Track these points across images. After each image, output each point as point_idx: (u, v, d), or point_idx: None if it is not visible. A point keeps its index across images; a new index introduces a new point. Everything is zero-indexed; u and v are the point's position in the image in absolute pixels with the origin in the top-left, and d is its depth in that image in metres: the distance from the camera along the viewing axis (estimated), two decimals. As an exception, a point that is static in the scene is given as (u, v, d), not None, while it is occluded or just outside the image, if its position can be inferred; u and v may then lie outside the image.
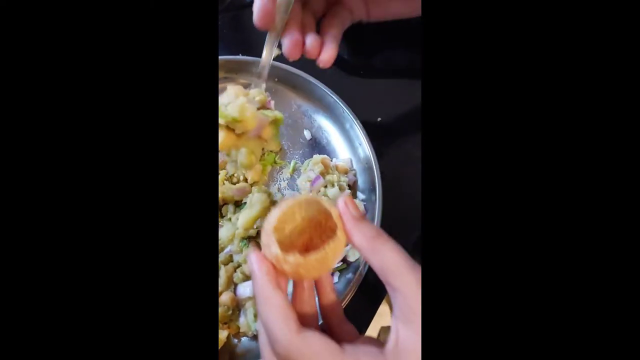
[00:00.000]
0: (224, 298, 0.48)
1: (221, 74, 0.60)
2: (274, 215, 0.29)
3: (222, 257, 0.51)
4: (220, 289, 0.49)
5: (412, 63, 0.68)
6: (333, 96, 0.57)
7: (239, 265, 0.50)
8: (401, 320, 0.26)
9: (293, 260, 0.27)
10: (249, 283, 0.49)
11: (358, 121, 0.55)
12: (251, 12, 0.41)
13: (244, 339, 0.48)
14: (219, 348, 0.46)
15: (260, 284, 0.27)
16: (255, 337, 0.48)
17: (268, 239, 0.28)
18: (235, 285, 0.50)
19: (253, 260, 0.28)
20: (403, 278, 0.26)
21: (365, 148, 0.54)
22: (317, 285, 0.32)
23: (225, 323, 0.48)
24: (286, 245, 0.29)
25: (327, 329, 0.32)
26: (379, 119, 0.61)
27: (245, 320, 0.48)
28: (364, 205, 0.54)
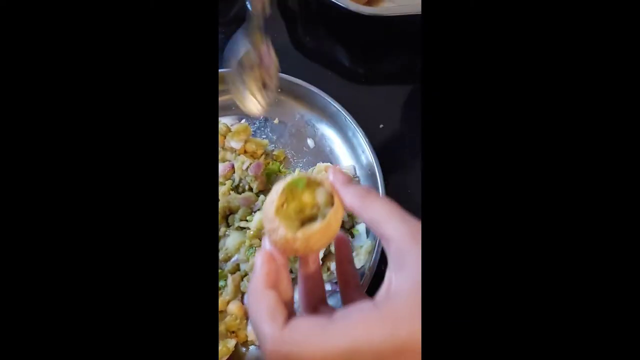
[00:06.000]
0: (232, 307, 0.49)
1: (223, 87, 0.61)
2: (271, 200, 0.29)
3: (229, 266, 0.51)
4: (227, 298, 0.49)
5: (414, 69, 0.68)
6: (335, 105, 0.57)
7: (246, 274, 0.51)
8: (393, 269, 0.25)
9: (302, 235, 0.27)
10: (256, 291, 0.50)
11: (360, 129, 0.56)
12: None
13: (252, 347, 0.48)
14: (228, 357, 0.47)
15: (254, 285, 0.27)
16: (263, 346, 0.48)
17: (272, 224, 0.28)
18: (243, 294, 0.50)
19: (258, 260, 0.28)
20: (394, 225, 0.26)
21: (368, 155, 0.55)
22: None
23: (233, 332, 0.48)
24: (291, 224, 0.29)
25: (344, 300, 0.32)
26: (381, 126, 0.62)
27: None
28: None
